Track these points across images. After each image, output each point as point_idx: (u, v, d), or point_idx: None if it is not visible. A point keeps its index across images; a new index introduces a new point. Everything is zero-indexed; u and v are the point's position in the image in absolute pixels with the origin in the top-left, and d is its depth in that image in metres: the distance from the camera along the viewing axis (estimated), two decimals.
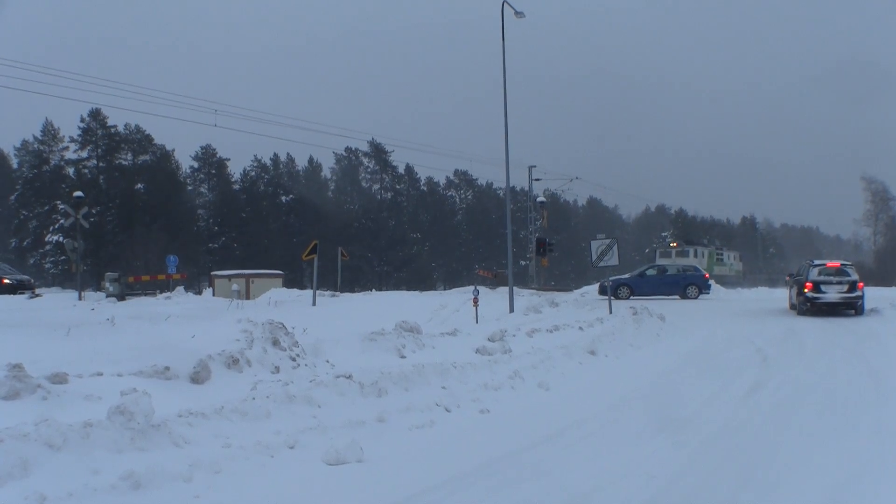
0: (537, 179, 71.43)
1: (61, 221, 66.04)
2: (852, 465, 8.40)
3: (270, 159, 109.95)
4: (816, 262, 30.11)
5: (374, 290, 39.45)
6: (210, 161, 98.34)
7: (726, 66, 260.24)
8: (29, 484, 6.43)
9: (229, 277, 45.22)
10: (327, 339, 14.67)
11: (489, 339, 17.16)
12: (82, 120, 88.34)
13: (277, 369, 12.08)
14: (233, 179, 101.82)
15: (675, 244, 79.00)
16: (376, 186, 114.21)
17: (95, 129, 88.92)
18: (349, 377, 11.12)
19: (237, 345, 12.15)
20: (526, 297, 33.00)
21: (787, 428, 10.42)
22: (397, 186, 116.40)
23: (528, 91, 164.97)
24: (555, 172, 77.31)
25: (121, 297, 37.08)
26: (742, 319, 27.47)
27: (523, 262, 67.39)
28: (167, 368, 10.63)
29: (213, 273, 52.70)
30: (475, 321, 22.35)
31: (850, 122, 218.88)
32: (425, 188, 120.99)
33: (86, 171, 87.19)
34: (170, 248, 59.93)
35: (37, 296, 36.51)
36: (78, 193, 42.60)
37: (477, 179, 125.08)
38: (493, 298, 30.68)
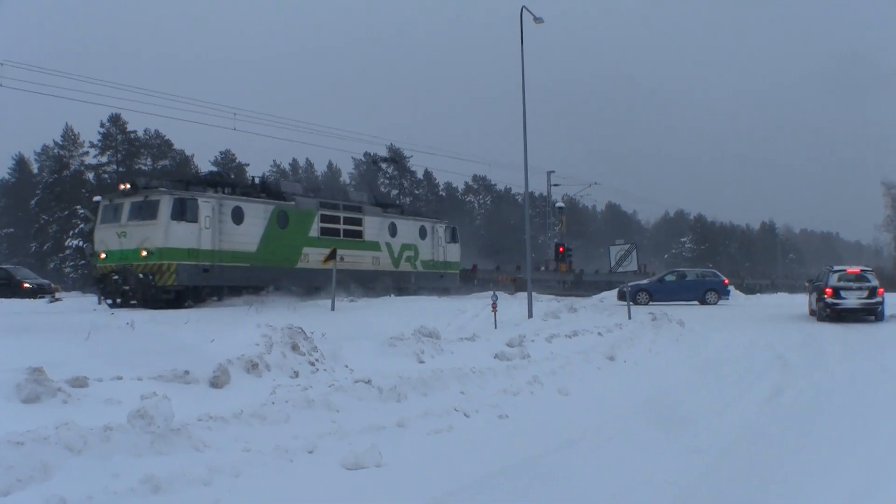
0: (556, 185, 71.58)
1: (81, 226, 66.24)
2: (873, 471, 8.35)
3: (289, 164, 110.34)
4: (836, 267, 30.09)
5: (392, 294, 39.55)
6: (229, 166, 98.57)
7: (746, 70, 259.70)
8: (49, 487, 6.45)
9: None
10: (346, 343, 14.69)
11: (508, 345, 17.14)
12: (102, 125, 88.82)
13: (296, 374, 12.10)
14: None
15: (124, 184, 32.58)
16: (395, 191, 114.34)
17: (115, 134, 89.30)
18: (368, 382, 11.13)
19: (256, 349, 12.18)
20: (545, 302, 32.97)
21: (808, 434, 10.37)
22: (416, 191, 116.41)
23: (548, 96, 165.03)
24: (573, 178, 76.59)
25: None
26: (761, 325, 27.40)
27: (542, 268, 67.29)
28: (187, 373, 10.67)
29: None
30: (494, 326, 22.32)
31: (871, 126, 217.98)
32: (444, 193, 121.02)
33: (106, 175, 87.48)
34: None
35: (57, 300, 36.68)
36: (98, 198, 42.76)
37: (496, 185, 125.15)
38: (512, 304, 30.64)
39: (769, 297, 53.37)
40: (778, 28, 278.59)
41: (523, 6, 28.28)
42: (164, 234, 30.16)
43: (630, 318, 25.25)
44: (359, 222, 38.90)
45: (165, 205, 30.38)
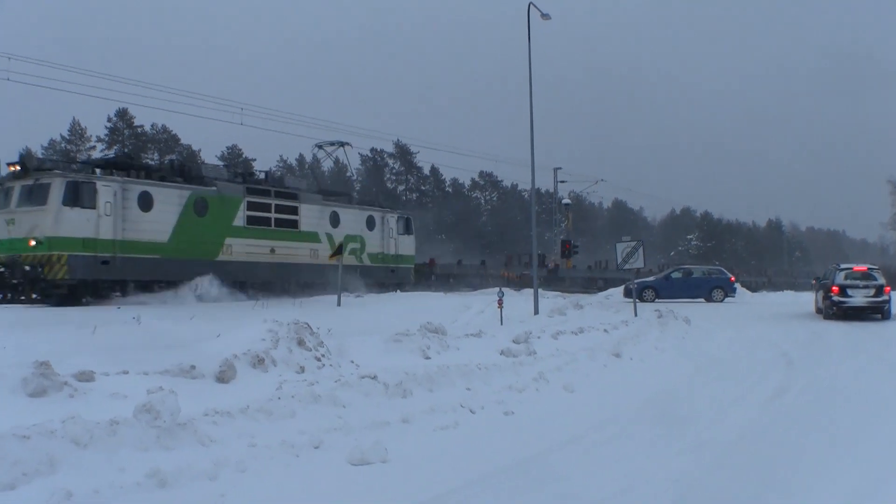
0: (562, 181, 71.61)
1: None
2: (876, 471, 8.36)
3: (296, 159, 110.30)
4: (843, 265, 30.07)
5: (398, 290, 39.31)
6: (236, 161, 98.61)
7: (752, 68, 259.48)
8: (55, 481, 6.46)
9: None
10: (352, 339, 14.68)
11: (514, 341, 17.11)
12: (109, 119, 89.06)
13: (302, 369, 12.09)
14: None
15: (14, 166, 28.66)
16: (401, 187, 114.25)
17: (122, 128, 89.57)
18: (374, 378, 11.13)
19: (263, 344, 12.17)
20: (551, 298, 32.97)
21: (812, 432, 10.38)
22: (422, 187, 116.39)
23: (554, 92, 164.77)
24: (580, 174, 76.67)
25: None
26: (767, 323, 27.38)
27: (548, 264, 67.16)
28: (193, 367, 10.67)
29: None
30: (500, 323, 22.30)
31: (878, 125, 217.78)
32: (450, 189, 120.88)
33: None
34: None
35: None
36: None
37: (502, 181, 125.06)
38: (518, 300, 30.65)
39: (776, 296, 53.28)
40: (784, 25, 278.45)
41: (531, 2, 28.23)
42: (54, 221, 26.98)
43: (636, 315, 25.22)
44: (294, 210, 35.30)
45: (57, 189, 27.14)
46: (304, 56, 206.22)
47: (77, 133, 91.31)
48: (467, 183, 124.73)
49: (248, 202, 33.22)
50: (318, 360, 12.66)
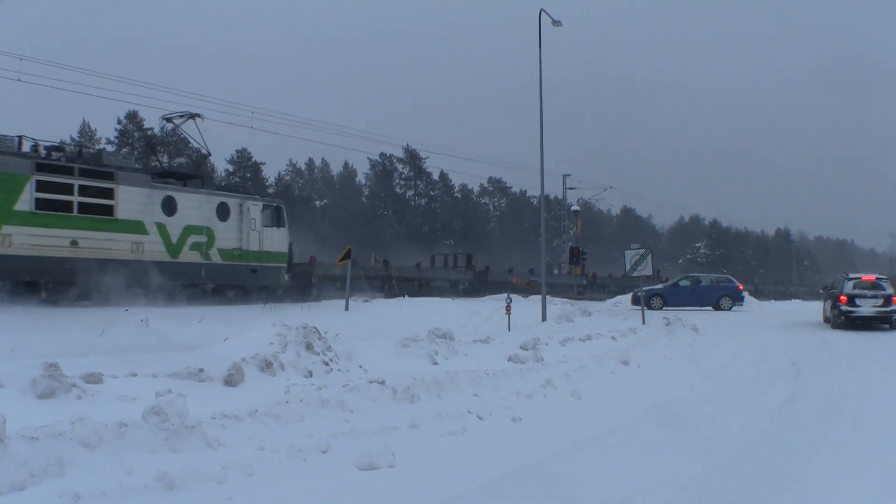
0: (571, 188, 71.61)
1: None
2: (886, 480, 8.33)
3: (305, 164, 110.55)
4: (851, 275, 30.11)
5: (406, 295, 39.06)
6: (245, 165, 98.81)
7: (767, 77, 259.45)
8: (64, 482, 6.47)
9: None
10: (360, 344, 14.68)
11: (522, 348, 17.11)
12: (119, 122, 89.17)
13: (310, 373, 12.10)
14: (267, 183, 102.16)
15: None
16: (410, 192, 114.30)
17: (132, 130, 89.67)
18: (382, 383, 11.13)
19: (271, 348, 12.17)
20: (558, 305, 32.95)
21: (819, 441, 10.35)
22: (431, 193, 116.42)
23: (564, 98, 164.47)
24: (589, 181, 76.57)
25: None
26: (775, 331, 27.35)
27: (556, 272, 67.01)
28: (201, 370, 10.69)
29: None
30: (507, 329, 22.30)
31: (888, 134, 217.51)
32: (459, 195, 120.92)
33: None
34: None
35: None
36: None
37: (511, 187, 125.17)
38: (526, 306, 30.61)
39: (783, 304, 53.24)
40: (792, 31, 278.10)
41: (542, 9, 28.24)
42: None
43: (644, 322, 25.20)
44: (108, 194, 27.02)
45: None
46: (314, 59, 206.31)
47: (87, 135, 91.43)
48: (476, 189, 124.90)
49: (38, 181, 25.11)
50: (327, 364, 12.67)
